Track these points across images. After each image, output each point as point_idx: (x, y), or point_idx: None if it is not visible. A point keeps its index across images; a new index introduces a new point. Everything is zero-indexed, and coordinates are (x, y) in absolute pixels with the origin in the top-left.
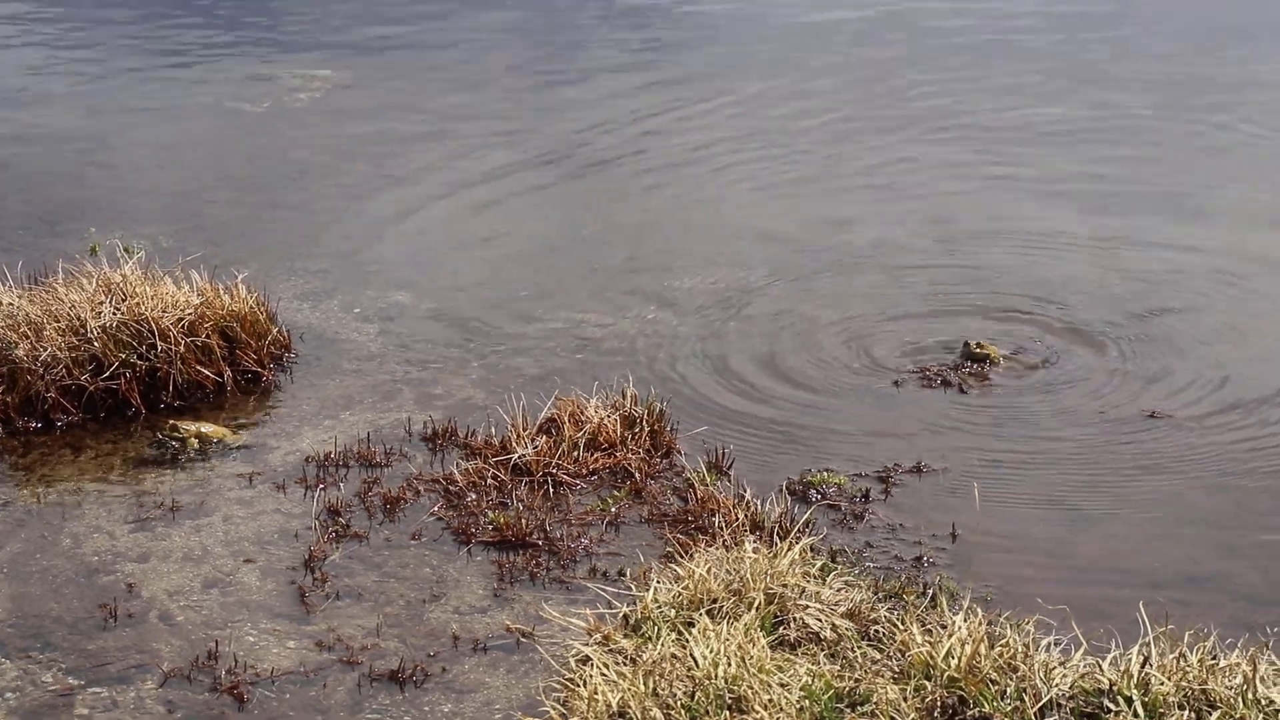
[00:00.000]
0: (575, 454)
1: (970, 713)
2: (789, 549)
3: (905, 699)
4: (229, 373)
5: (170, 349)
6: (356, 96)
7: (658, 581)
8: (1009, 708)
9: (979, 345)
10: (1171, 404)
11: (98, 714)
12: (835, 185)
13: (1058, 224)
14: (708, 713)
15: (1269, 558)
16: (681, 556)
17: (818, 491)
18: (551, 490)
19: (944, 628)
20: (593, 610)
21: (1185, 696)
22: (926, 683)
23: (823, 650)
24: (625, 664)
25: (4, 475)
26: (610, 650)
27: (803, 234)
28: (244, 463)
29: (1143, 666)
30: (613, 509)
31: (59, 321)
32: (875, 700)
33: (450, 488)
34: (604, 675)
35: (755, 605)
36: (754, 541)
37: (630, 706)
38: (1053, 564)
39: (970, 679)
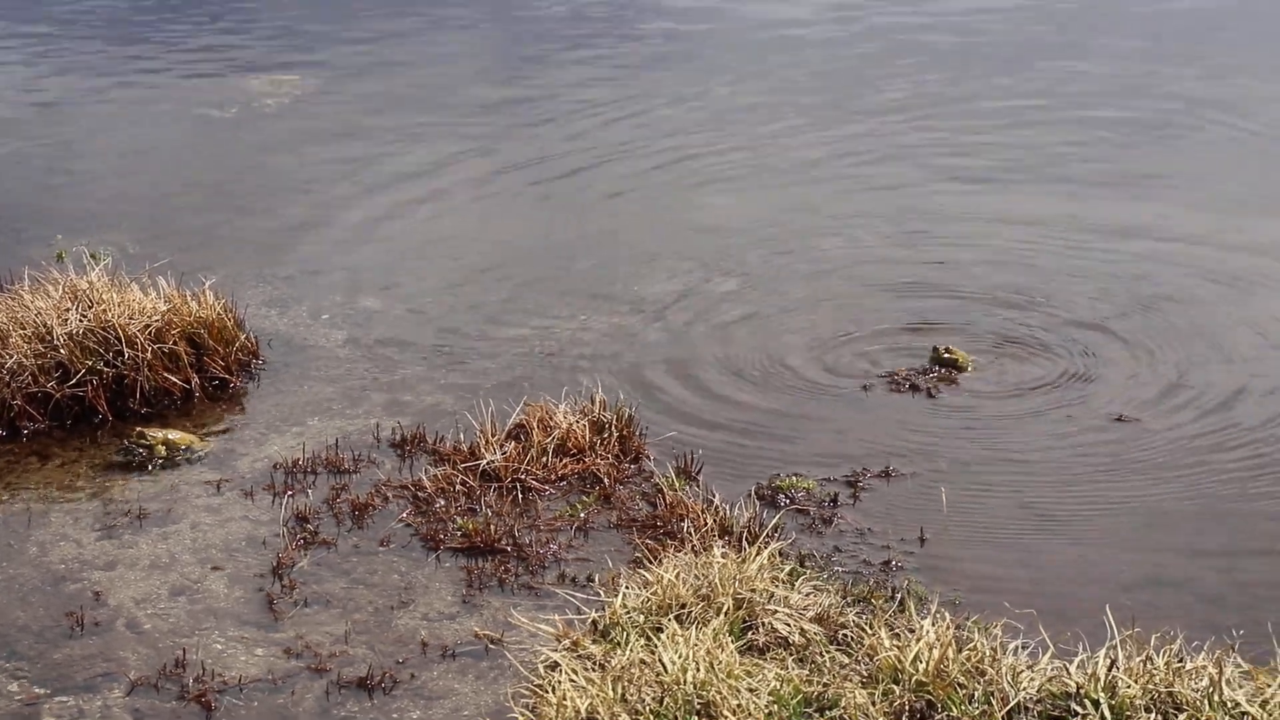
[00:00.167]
0: (544, 460)
1: (938, 717)
2: (757, 554)
3: (873, 703)
4: (196, 380)
5: (137, 356)
6: (325, 103)
7: (626, 587)
8: (977, 711)
9: (948, 350)
10: (1138, 408)
11: None
12: (804, 190)
13: (1026, 227)
14: (676, 718)
15: (1234, 561)
16: (650, 562)
17: (786, 496)
18: (520, 496)
19: (912, 632)
20: (562, 616)
21: (1152, 699)
22: (895, 687)
23: (791, 655)
24: (594, 670)
25: None
26: (579, 656)
27: (771, 239)
28: (212, 470)
29: (1110, 670)
30: (581, 515)
31: (25, 329)
32: (843, 705)
33: (419, 494)
34: (573, 681)
35: (724, 610)
36: (723, 546)
37: (599, 712)
38: (1020, 567)
39: (938, 683)
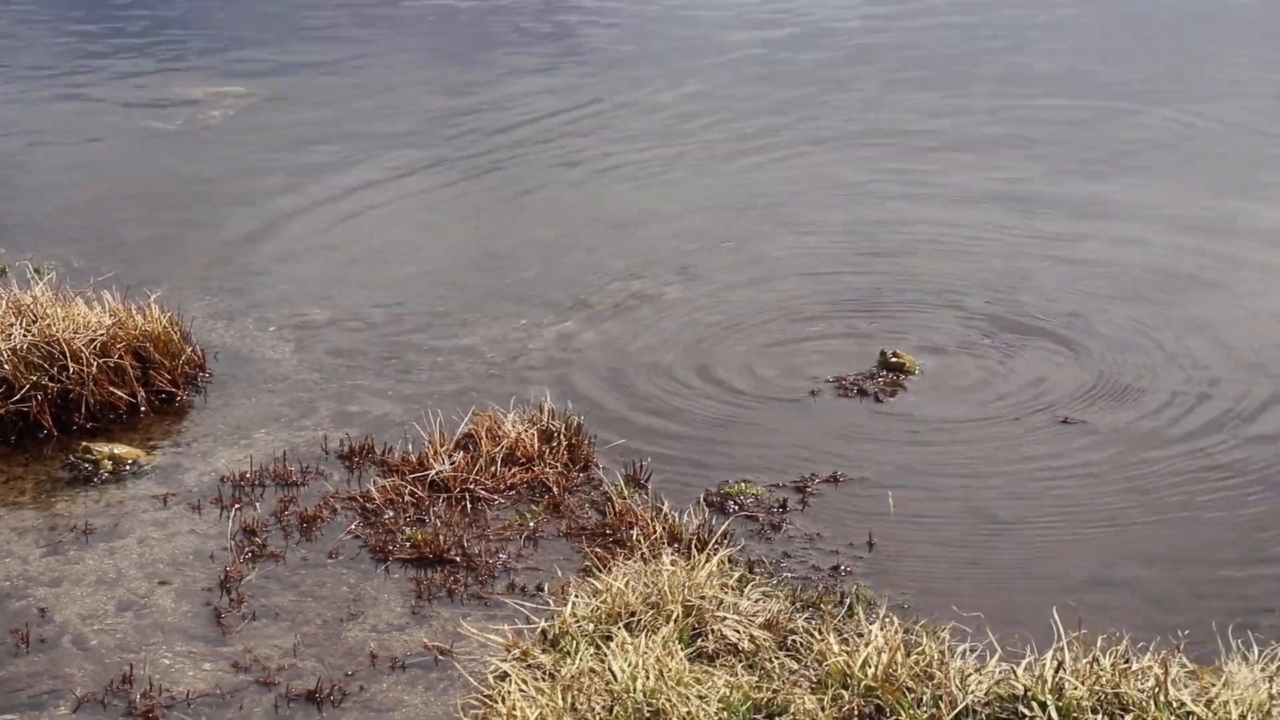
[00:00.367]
0: (493, 469)
1: None
2: (707, 561)
3: (823, 709)
4: (143, 393)
5: (82, 370)
6: (270, 113)
7: (576, 596)
8: (925, 715)
9: (895, 355)
10: (1084, 410)
11: None
12: (751, 195)
13: (972, 228)
14: None
15: (1179, 561)
16: (599, 570)
17: (735, 503)
18: (469, 506)
19: (861, 637)
20: (511, 626)
21: (1099, 700)
22: (844, 692)
23: (741, 661)
24: (544, 679)
25: None
26: (529, 666)
27: (719, 244)
28: (158, 484)
29: (1057, 671)
30: (531, 524)
31: None
32: (793, 710)
33: (367, 505)
34: (522, 691)
35: (673, 618)
36: (672, 554)
37: None
38: (968, 571)
39: (887, 687)
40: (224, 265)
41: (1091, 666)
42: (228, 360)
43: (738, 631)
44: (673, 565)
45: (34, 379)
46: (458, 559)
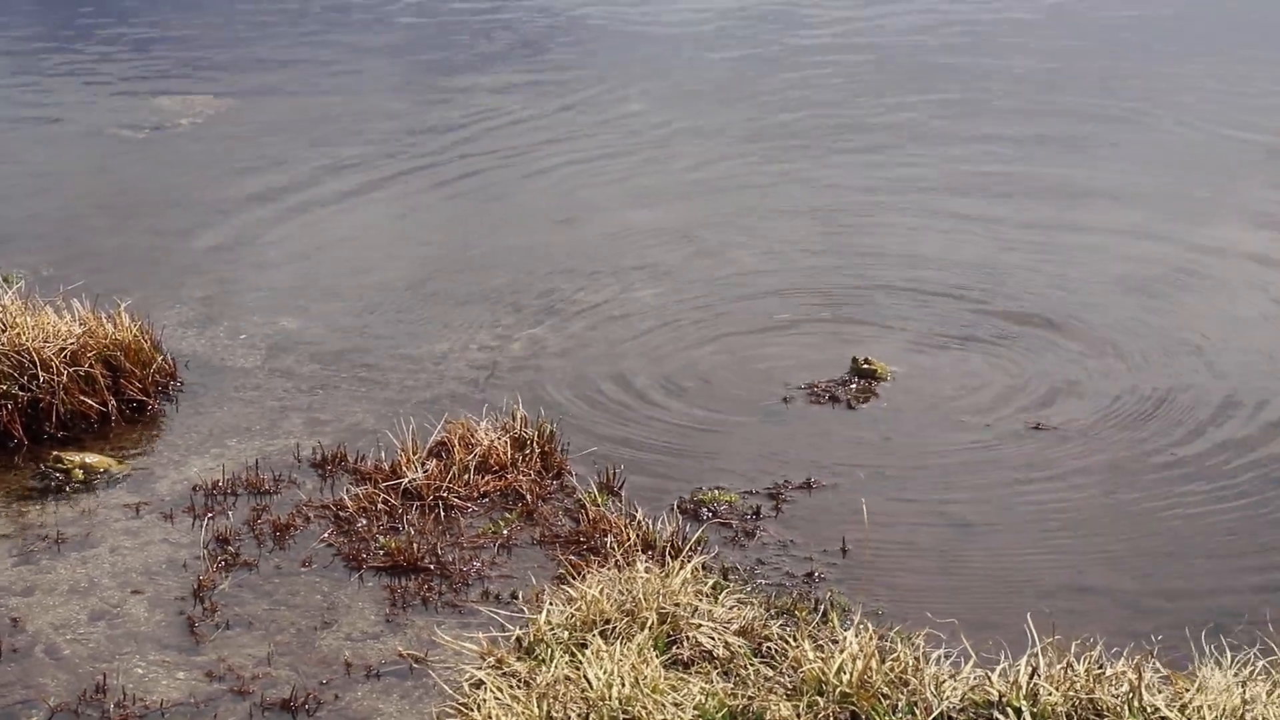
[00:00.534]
0: (466, 477)
1: None
2: (681, 568)
3: (798, 715)
4: (113, 402)
5: (53, 379)
6: (239, 122)
7: (550, 603)
8: None
9: (867, 361)
10: (1055, 416)
11: None
12: (723, 200)
13: (943, 232)
14: None
15: (1151, 566)
16: (574, 578)
17: (709, 510)
18: (443, 514)
19: (835, 643)
20: (486, 634)
21: (1073, 706)
22: (819, 699)
23: (716, 668)
24: (519, 687)
25: None
26: (504, 674)
27: (691, 252)
28: (130, 493)
29: (1031, 677)
30: (504, 532)
31: None
32: (769, 717)
33: (341, 514)
34: (498, 699)
35: (648, 625)
36: (646, 561)
37: None
38: (942, 577)
39: (862, 694)
40: (194, 274)
41: (1066, 672)
42: (199, 369)
43: (712, 638)
44: (647, 572)
45: (4, 388)
46: (432, 567)
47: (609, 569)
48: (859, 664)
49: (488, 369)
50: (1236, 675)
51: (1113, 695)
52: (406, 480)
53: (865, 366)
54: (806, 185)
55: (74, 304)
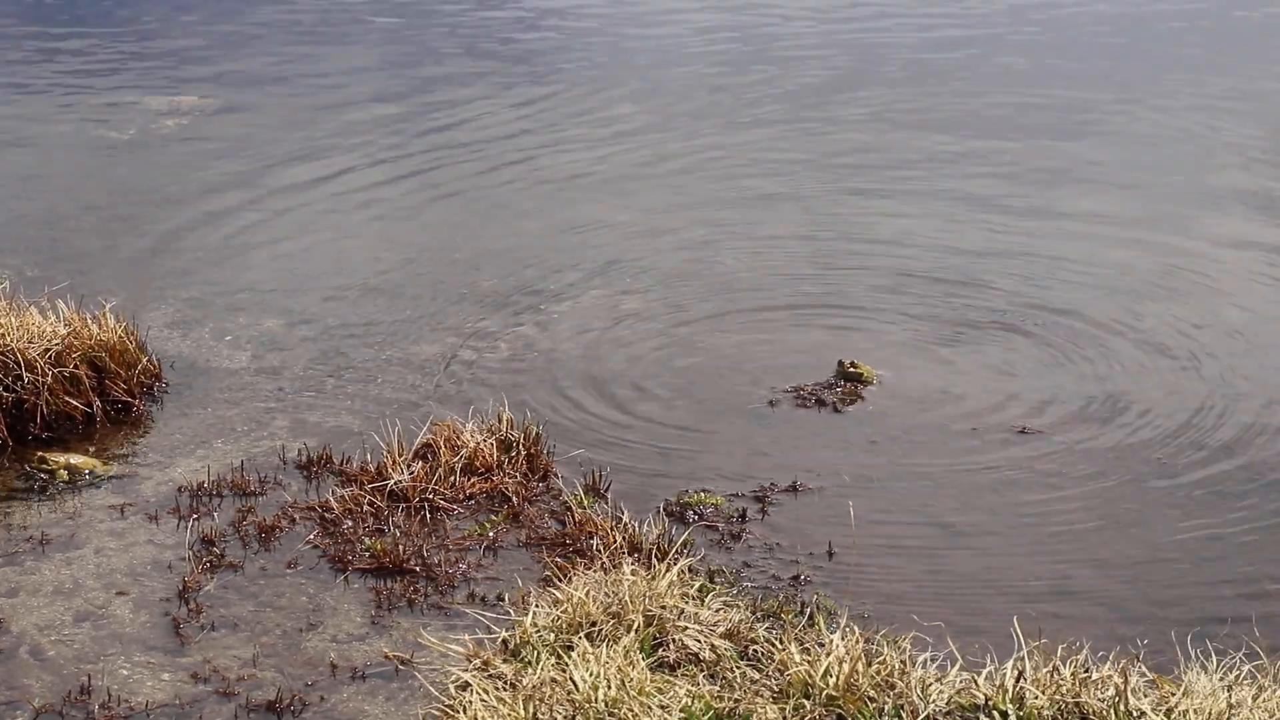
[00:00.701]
0: (452, 479)
1: None
2: (667, 570)
3: (785, 718)
4: (98, 403)
5: (37, 380)
6: (224, 123)
7: (536, 605)
8: None
9: (853, 364)
10: (1041, 420)
11: None
12: (709, 202)
13: (929, 234)
14: None
15: (1137, 570)
16: (560, 580)
17: (695, 512)
18: (428, 516)
19: (822, 646)
20: (472, 636)
21: (1059, 710)
22: (806, 701)
23: (702, 671)
24: (505, 689)
25: None
26: (490, 676)
27: (676, 255)
28: (115, 494)
29: (1017, 681)
30: (490, 534)
31: None
32: None
33: (326, 515)
34: (484, 701)
35: (634, 627)
36: (632, 563)
37: None
38: (928, 580)
39: (849, 697)
40: (180, 275)
41: (1052, 676)
42: (184, 370)
43: (699, 641)
44: (633, 575)
45: None
46: (417, 569)
47: (595, 571)
48: (845, 667)
49: (474, 371)
50: (1222, 679)
51: (1099, 699)
52: (392, 482)
53: (851, 370)
54: (793, 186)
55: (59, 305)
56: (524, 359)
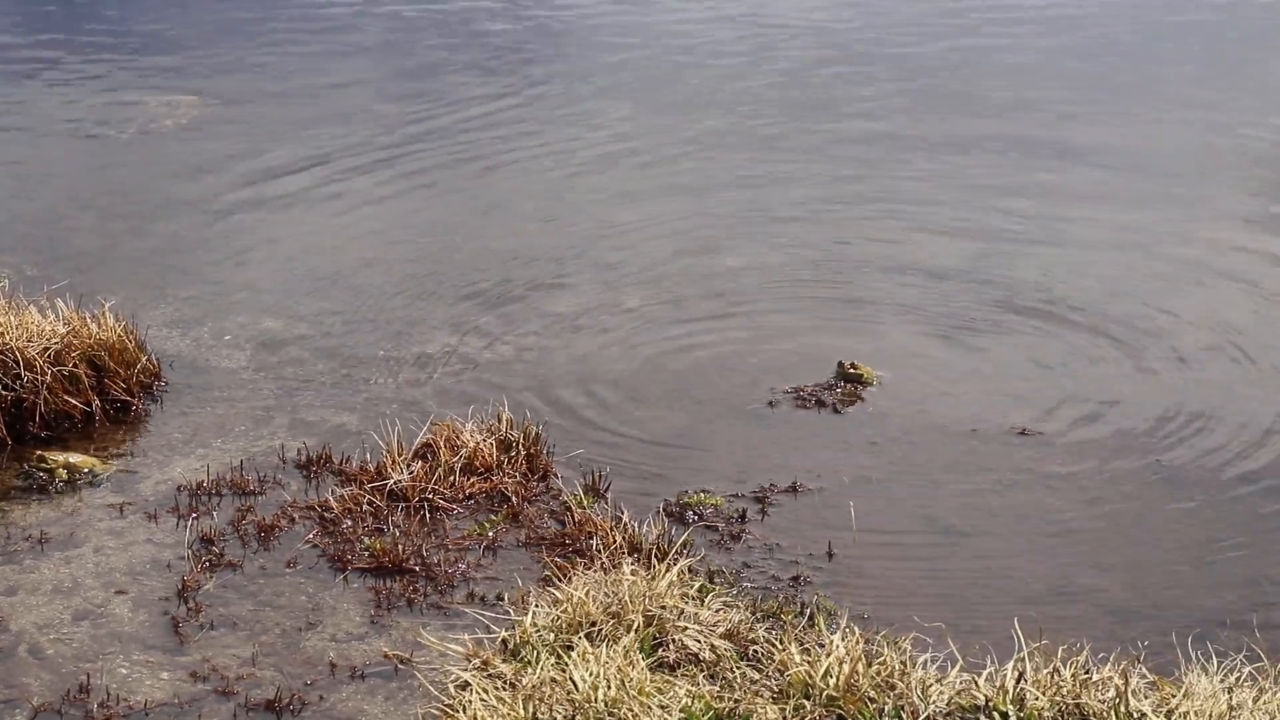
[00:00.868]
0: (451, 479)
1: None
2: (667, 571)
3: (785, 718)
4: (97, 402)
5: (36, 379)
6: (223, 123)
7: (536, 605)
8: None
9: (853, 365)
10: (1040, 421)
11: None
12: (708, 208)
13: (927, 235)
14: None
15: (1138, 572)
16: (560, 580)
17: (695, 513)
18: (428, 516)
19: (822, 647)
20: (471, 635)
21: (1060, 711)
22: (806, 702)
23: (702, 671)
24: (505, 689)
25: None
26: (489, 675)
27: (676, 256)
28: (114, 493)
29: (1018, 682)
30: (490, 533)
31: None
32: None
33: (325, 515)
34: (483, 700)
35: (634, 627)
36: (632, 564)
37: None
38: (928, 581)
39: (849, 697)
40: (179, 274)
41: (1052, 677)
42: (183, 369)
43: (699, 641)
44: (633, 575)
45: None
46: (417, 568)
47: (595, 571)
48: (845, 667)
49: (473, 371)
50: (1223, 681)
51: (1099, 700)
52: (392, 482)
53: (851, 371)
54: (793, 184)
55: (58, 304)
56: (524, 358)
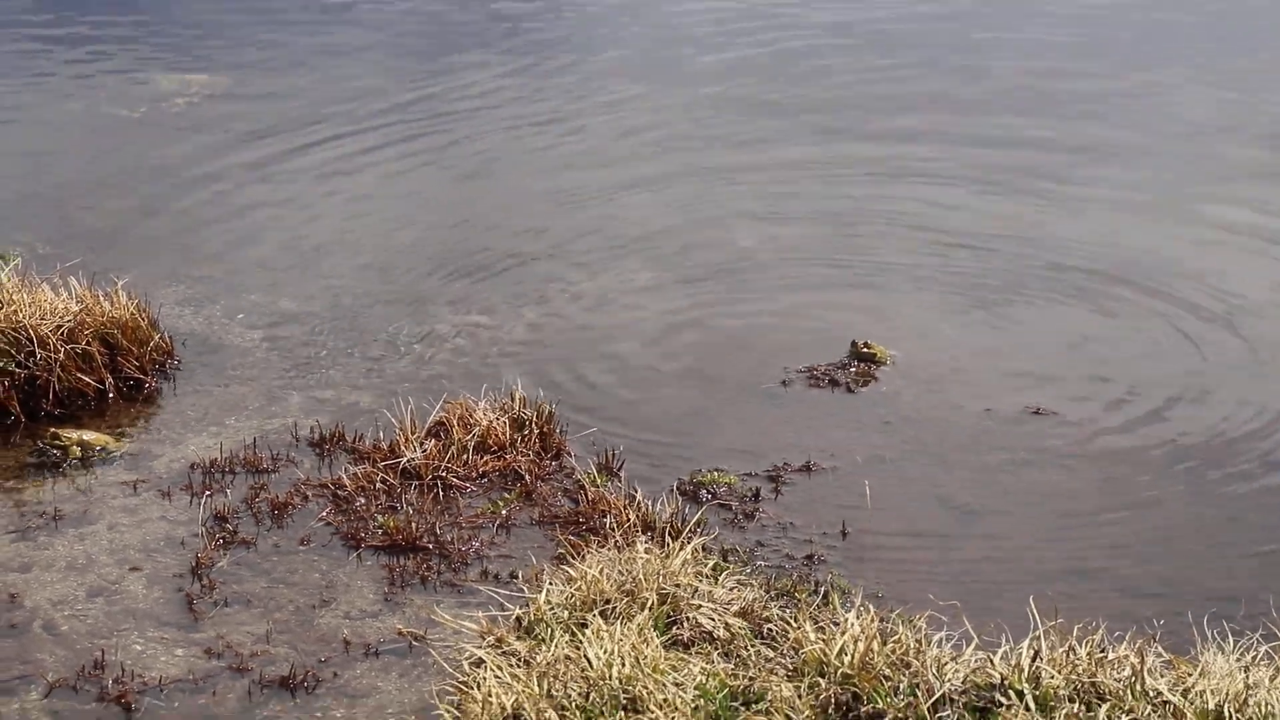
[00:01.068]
0: (465, 457)
1: (864, 709)
2: (681, 549)
3: (800, 696)
4: (111, 380)
5: (50, 356)
6: (234, 101)
7: (550, 583)
8: (903, 703)
9: (866, 344)
10: (1054, 401)
11: None
12: (719, 185)
13: (940, 215)
14: (602, 713)
15: (1152, 551)
16: (573, 558)
17: (708, 491)
18: (441, 493)
19: (836, 625)
20: (485, 613)
21: (1075, 689)
22: (820, 680)
23: (716, 649)
24: (519, 666)
25: None
26: (503, 653)
27: (688, 234)
28: (128, 470)
29: (1033, 660)
30: (503, 511)
31: None
32: (770, 698)
33: (339, 492)
34: (498, 677)
35: (648, 605)
36: (646, 542)
37: (525, 709)
38: (943, 560)
39: (864, 675)
40: (191, 253)
41: (1068, 656)
42: (196, 347)
43: (713, 619)
44: (647, 553)
45: (1, 365)
46: (430, 546)
47: (609, 549)
48: (860, 646)
49: (486, 349)
50: (1239, 660)
51: (1115, 679)
52: (405, 460)
53: (865, 350)
54: (807, 163)
55: (71, 282)
56: (538, 336)
